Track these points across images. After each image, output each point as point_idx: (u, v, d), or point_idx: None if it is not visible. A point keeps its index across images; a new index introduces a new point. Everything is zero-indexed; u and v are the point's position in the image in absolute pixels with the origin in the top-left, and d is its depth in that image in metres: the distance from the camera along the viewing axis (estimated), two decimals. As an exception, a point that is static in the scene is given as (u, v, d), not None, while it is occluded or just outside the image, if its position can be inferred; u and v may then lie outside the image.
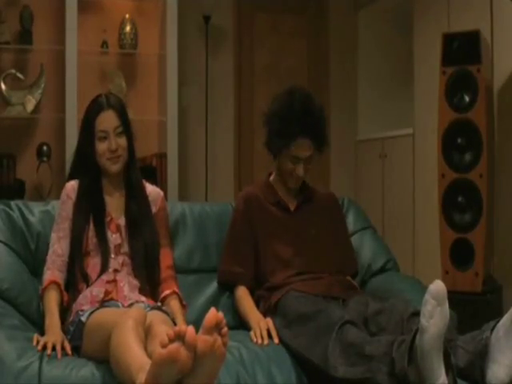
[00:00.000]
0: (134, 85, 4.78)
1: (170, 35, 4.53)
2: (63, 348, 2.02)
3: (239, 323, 2.51)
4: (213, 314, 1.68)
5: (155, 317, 2.04)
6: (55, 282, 2.24)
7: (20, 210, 2.49)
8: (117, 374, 1.84)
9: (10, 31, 4.45)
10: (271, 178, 2.71)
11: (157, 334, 1.92)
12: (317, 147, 2.55)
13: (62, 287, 2.26)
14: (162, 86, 4.68)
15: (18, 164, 4.39)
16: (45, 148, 4.42)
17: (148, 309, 2.11)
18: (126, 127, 2.36)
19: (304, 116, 2.48)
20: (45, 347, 2.00)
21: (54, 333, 2.08)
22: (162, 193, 2.52)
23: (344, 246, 2.72)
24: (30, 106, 4.43)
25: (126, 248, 2.34)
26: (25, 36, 4.49)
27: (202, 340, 1.67)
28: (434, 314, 1.85)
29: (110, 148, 2.32)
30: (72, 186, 2.38)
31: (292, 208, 2.65)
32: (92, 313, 2.09)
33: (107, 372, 1.94)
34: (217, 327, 1.68)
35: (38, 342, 2.02)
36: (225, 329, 1.71)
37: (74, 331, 2.10)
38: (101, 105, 2.34)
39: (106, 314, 2.06)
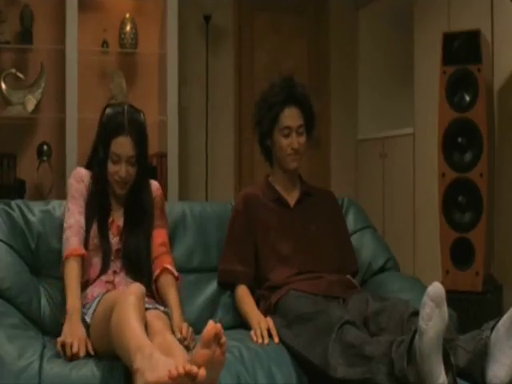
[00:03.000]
0: (135, 84, 4.79)
1: (171, 35, 4.53)
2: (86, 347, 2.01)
3: (239, 323, 2.51)
4: (211, 327, 1.69)
5: (152, 314, 2.04)
6: (79, 255, 2.20)
7: (20, 209, 2.49)
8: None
9: (10, 31, 4.46)
10: (269, 178, 2.72)
11: (153, 332, 1.93)
12: (306, 117, 2.61)
13: (85, 260, 2.23)
14: (162, 86, 4.68)
15: (18, 163, 4.39)
16: (45, 147, 4.43)
17: (150, 306, 2.12)
18: (140, 157, 2.31)
19: (286, 87, 2.60)
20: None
21: (75, 331, 2.02)
22: (158, 184, 2.50)
23: (344, 244, 2.72)
24: (31, 106, 4.43)
25: (124, 251, 2.34)
26: (25, 35, 4.49)
27: (201, 355, 1.68)
28: (433, 316, 1.85)
29: (119, 174, 2.30)
30: (85, 172, 2.35)
31: (291, 204, 2.66)
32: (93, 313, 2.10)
33: (107, 371, 1.94)
34: (215, 339, 1.69)
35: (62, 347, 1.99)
36: (223, 339, 1.71)
37: None
38: (120, 127, 2.27)
39: (108, 296, 2.08)
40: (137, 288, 1.96)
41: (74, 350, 1.95)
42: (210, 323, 1.70)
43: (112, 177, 2.31)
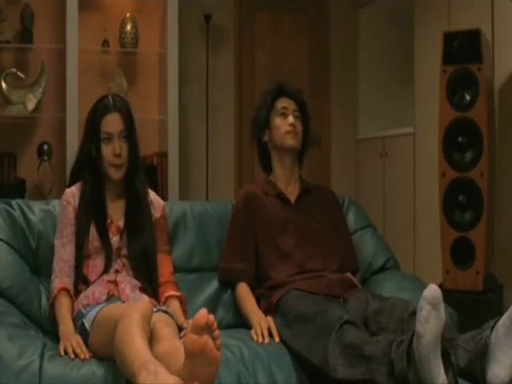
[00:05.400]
0: (135, 83, 4.79)
1: (171, 34, 4.53)
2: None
3: (240, 322, 2.52)
4: (202, 315, 1.68)
5: (159, 319, 2.03)
6: (65, 289, 2.24)
7: (21, 208, 2.49)
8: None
9: (10, 30, 4.45)
10: (270, 176, 2.74)
11: (161, 338, 1.92)
12: (300, 109, 2.68)
13: (72, 292, 2.26)
14: (162, 85, 4.68)
15: (18, 163, 4.39)
16: (45, 147, 4.42)
17: (155, 309, 2.11)
18: (130, 132, 2.36)
19: (279, 84, 2.72)
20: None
21: (68, 337, 2.08)
22: (162, 202, 2.53)
23: (345, 242, 2.72)
24: (31, 105, 4.43)
25: (125, 250, 2.34)
26: (25, 35, 4.49)
27: (191, 339, 1.66)
28: (430, 318, 1.84)
29: (113, 152, 2.31)
30: (71, 192, 2.38)
31: (292, 200, 2.66)
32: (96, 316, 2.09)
33: (108, 370, 1.95)
34: (207, 328, 1.67)
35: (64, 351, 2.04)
36: (216, 332, 1.70)
37: (80, 333, 2.11)
38: (107, 106, 2.34)
39: (113, 309, 2.06)
40: (144, 306, 1.95)
41: (77, 351, 2.00)
42: (203, 310, 1.70)
43: (107, 159, 2.33)
